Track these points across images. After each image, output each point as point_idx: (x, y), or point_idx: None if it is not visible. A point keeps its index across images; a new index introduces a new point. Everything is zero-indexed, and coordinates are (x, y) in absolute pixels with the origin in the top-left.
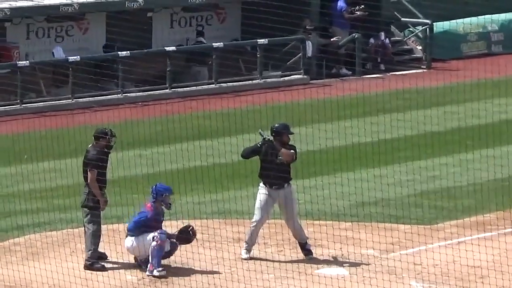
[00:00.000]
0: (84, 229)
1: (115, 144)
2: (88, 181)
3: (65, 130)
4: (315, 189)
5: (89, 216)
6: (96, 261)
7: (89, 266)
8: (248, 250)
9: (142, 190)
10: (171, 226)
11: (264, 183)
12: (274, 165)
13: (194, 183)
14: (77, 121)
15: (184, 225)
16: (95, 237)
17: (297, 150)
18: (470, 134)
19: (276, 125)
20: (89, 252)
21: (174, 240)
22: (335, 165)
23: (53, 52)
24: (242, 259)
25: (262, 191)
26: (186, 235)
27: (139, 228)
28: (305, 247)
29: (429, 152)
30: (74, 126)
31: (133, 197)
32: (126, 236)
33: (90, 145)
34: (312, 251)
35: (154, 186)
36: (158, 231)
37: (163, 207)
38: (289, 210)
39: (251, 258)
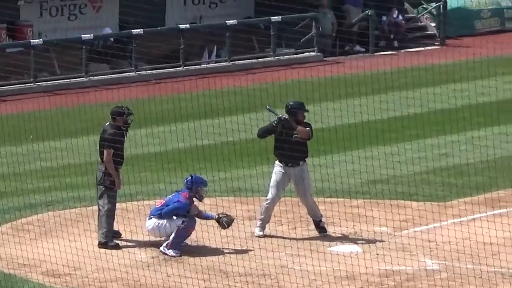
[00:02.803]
0: (98, 207)
1: (132, 122)
2: (104, 159)
3: (77, 109)
4: (326, 167)
5: (104, 195)
6: (110, 239)
7: (103, 244)
8: (262, 227)
9: (152, 168)
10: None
11: (279, 161)
12: (289, 143)
13: (205, 161)
14: (90, 99)
15: (227, 215)
16: (110, 216)
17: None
18: (481, 112)
19: (291, 102)
20: (104, 230)
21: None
22: (346, 143)
23: None
24: (256, 236)
25: (277, 169)
26: (228, 220)
27: (173, 214)
28: (319, 225)
29: (439, 130)
30: (86, 104)
31: (145, 175)
32: (150, 218)
33: (107, 123)
34: (326, 229)
35: (190, 177)
36: (190, 217)
37: (196, 198)
38: (303, 187)
39: (264, 236)
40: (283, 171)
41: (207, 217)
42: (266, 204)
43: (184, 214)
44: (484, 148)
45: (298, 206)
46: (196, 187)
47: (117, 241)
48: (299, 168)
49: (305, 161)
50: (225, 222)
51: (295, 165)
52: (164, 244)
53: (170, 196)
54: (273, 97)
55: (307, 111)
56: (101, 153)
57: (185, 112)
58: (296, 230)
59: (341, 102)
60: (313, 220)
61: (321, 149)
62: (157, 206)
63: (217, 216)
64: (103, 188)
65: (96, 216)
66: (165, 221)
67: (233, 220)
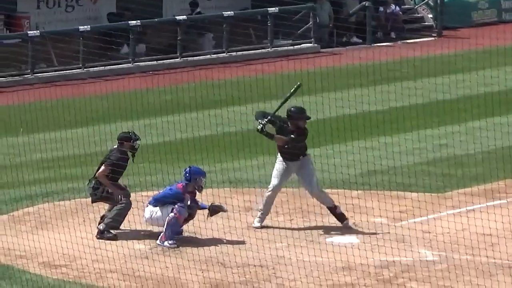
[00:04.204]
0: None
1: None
2: (97, 173)
3: (75, 100)
4: (325, 157)
5: (116, 204)
6: (108, 230)
7: (100, 235)
8: (262, 219)
9: (150, 159)
10: None
11: (281, 156)
12: (290, 148)
13: (204, 152)
14: (88, 91)
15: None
16: (122, 211)
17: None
18: (481, 102)
19: (292, 108)
20: (109, 221)
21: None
22: (344, 133)
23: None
24: (254, 227)
25: (279, 161)
26: (217, 208)
27: (165, 200)
28: (336, 212)
29: (438, 120)
30: (84, 96)
31: (143, 166)
32: (147, 206)
33: (115, 146)
34: (345, 215)
35: (188, 168)
36: (178, 204)
37: (195, 189)
38: (306, 177)
39: (261, 227)
40: (285, 164)
41: (202, 208)
42: (268, 193)
43: (173, 201)
44: (484, 139)
45: (296, 197)
46: (194, 177)
47: (114, 232)
48: (300, 161)
49: (305, 154)
50: (212, 209)
51: (296, 160)
52: (159, 239)
53: (168, 186)
54: (274, 88)
55: (309, 118)
56: (98, 168)
57: (183, 103)
58: (293, 221)
59: (339, 93)
60: (328, 208)
61: (320, 139)
62: (152, 197)
63: (210, 205)
64: (106, 201)
65: (95, 207)
66: (158, 209)
67: (221, 209)
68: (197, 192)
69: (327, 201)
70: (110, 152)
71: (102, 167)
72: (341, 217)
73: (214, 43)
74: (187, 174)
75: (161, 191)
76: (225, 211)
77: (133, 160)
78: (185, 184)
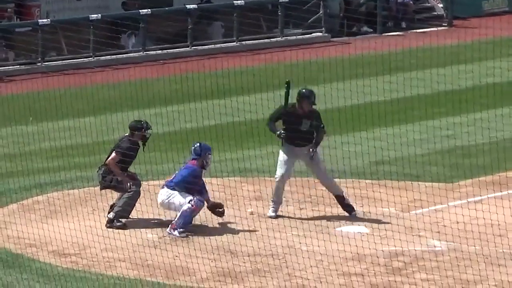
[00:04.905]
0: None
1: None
2: (107, 160)
3: (84, 89)
4: (333, 148)
5: (126, 192)
6: (118, 219)
7: (110, 223)
8: (275, 209)
9: (159, 148)
10: None
11: (288, 142)
12: (298, 132)
13: (212, 142)
14: (97, 80)
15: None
16: (131, 199)
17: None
18: (485, 93)
19: (303, 90)
20: (118, 210)
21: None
22: (352, 123)
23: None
24: (268, 217)
25: (285, 148)
26: (217, 210)
27: (184, 182)
28: (344, 202)
29: (444, 111)
30: (93, 85)
31: (150, 155)
32: (163, 187)
33: (127, 134)
34: (354, 207)
35: (198, 144)
36: (198, 197)
37: (203, 165)
38: (316, 165)
39: (276, 216)
40: (289, 150)
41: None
42: (276, 182)
43: (193, 184)
44: (491, 130)
45: (306, 187)
46: (205, 152)
47: (124, 221)
48: (307, 147)
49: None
50: (212, 209)
51: (303, 146)
52: (170, 227)
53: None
54: (282, 77)
55: (314, 103)
56: (108, 156)
57: (192, 92)
58: (303, 210)
59: (348, 83)
60: (336, 197)
61: (327, 129)
62: (169, 179)
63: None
64: (115, 189)
65: (104, 197)
66: (176, 193)
67: (219, 207)
68: (204, 170)
69: (336, 189)
70: (120, 140)
71: (113, 154)
72: (349, 208)
73: (223, 31)
74: (197, 150)
75: (177, 174)
76: (222, 209)
77: (143, 149)
78: (196, 160)
